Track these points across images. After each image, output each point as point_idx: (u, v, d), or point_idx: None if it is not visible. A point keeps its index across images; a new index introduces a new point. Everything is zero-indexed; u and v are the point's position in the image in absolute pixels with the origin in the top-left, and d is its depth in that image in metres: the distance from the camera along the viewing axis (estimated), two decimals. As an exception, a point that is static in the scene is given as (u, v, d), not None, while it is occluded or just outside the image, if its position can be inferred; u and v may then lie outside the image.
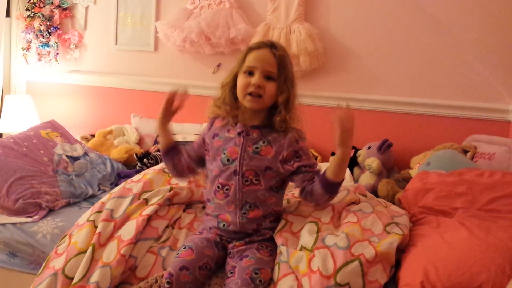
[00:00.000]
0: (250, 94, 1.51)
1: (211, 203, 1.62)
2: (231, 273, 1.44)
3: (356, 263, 1.35)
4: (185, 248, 1.49)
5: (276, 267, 1.46)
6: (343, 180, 1.51)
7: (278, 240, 1.53)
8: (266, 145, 1.56)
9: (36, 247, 1.85)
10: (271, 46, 1.54)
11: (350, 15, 2.71)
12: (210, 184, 1.62)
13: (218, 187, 1.57)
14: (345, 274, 1.33)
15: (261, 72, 1.51)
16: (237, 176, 1.53)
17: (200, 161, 1.68)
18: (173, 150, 1.66)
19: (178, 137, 2.85)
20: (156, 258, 1.57)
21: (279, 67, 1.51)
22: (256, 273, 1.40)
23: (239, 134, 1.57)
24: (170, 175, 1.81)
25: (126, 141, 2.99)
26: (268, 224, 1.59)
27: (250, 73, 1.52)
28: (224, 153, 1.57)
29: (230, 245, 1.56)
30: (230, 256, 1.54)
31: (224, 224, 1.57)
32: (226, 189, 1.56)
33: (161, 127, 1.66)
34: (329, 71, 2.77)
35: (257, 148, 1.55)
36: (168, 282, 1.37)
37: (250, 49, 1.55)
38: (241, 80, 1.54)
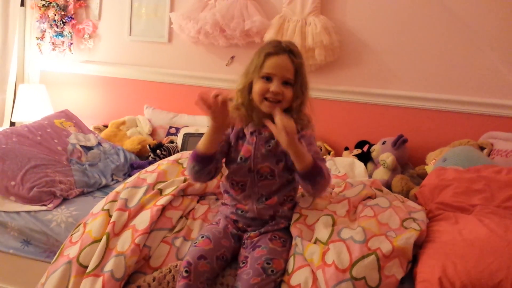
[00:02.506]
0: (266, 99, 1.52)
1: (229, 195, 1.66)
2: (244, 263, 1.45)
3: (373, 257, 1.34)
4: (202, 237, 1.50)
5: (291, 259, 1.45)
6: (309, 164, 1.43)
7: (294, 232, 1.53)
8: (277, 142, 1.55)
9: (50, 235, 1.85)
10: (289, 52, 1.53)
11: (367, 8, 2.68)
12: (226, 178, 1.66)
13: (233, 183, 1.62)
14: (361, 268, 1.32)
15: (280, 79, 1.51)
16: (252, 173, 1.57)
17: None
18: (212, 157, 1.53)
19: (191, 129, 2.85)
20: (170, 248, 1.57)
21: (296, 73, 1.52)
22: (268, 263, 1.40)
23: (251, 133, 1.58)
24: (195, 180, 1.64)
25: (139, 132, 2.99)
26: (285, 211, 1.62)
27: (268, 78, 1.51)
28: (239, 152, 1.59)
29: (245, 236, 1.57)
30: (244, 246, 1.55)
31: (242, 211, 1.61)
32: (242, 185, 1.60)
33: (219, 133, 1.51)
34: (345, 64, 2.74)
35: (269, 146, 1.57)
36: (186, 271, 1.37)
37: (269, 54, 1.52)
38: (258, 85, 1.52)
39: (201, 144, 1.50)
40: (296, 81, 1.52)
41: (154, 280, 1.47)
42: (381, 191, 1.78)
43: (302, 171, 1.44)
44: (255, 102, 1.55)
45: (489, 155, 2.26)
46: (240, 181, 1.60)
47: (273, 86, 1.49)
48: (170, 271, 1.48)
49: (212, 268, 1.43)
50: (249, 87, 1.57)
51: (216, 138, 1.49)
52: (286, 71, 1.51)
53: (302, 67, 1.53)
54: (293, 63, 1.51)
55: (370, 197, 1.70)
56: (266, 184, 1.58)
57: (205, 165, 1.51)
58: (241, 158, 1.57)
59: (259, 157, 1.56)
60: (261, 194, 1.58)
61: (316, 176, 1.45)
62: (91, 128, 2.87)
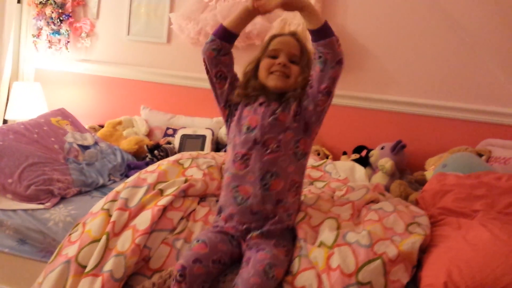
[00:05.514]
0: (272, 73, 1.57)
1: (228, 174, 1.60)
2: (247, 263, 1.42)
3: (379, 261, 1.33)
4: (198, 241, 1.45)
5: (297, 260, 1.43)
6: (322, 21, 1.47)
7: (299, 233, 1.51)
8: (282, 111, 1.56)
9: (48, 234, 1.81)
10: (293, 34, 1.63)
11: (368, 13, 2.69)
12: (230, 153, 1.62)
13: (236, 156, 1.57)
14: (367, 272, 1.31)
15: (286, 54, 1.57)
16: (258, 145, 1.53)
17: (225, 69, 1.63)
18: (232, 37, 1.60)
19: (188, 131, 2.83)
20: (170, 250, 1.54)
21: (302, 51, 1.58)
22: (270, 268, 1.37)
23: (260, 104, 1.58)
24: (204, 50, 1.62)
25: (135, 132, 2.96)
26: (288, 203, 1.56)
27: (274, 57, 1.58)
28: (245, 122, 1.58)
29: (248, 236, 1.52)
30: (248, 247, 1.50)
31: (242, 198, 1.55)
32: (246, 159, 1.55)
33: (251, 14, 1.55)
34: (344, 69, 2.67)
35: (275, 114, 1.56)
36: (180, 275, 1.33)
37: (274, 36, 1.63)
38: (265, 62, 1.60)
39: (228, 20, 1.58)
40: (302, 58, 1.57)
41: (154, 285, 1.43)
42: (384, 195, 1.78)
43: (317, 28, 1.45)
44: (262, 79, 1.59)
45: (487, 162, 2.28)
46: (245, 154, 1.55)
47: (280, 59, 1.56)
48: (170, 276, 1.44)
49: (208, 271, 1.39)
50: (255, 69, 1.63)
51: (247, 19, 1.56)
52: (292, 47, 1.59)
53: (307, 49, 1.59)
54: (299, 42, 1.58)
55: (373, 201, 1.69)
56: (272, 158, 1.52)
57: (221, 40, 1.57)
58: (248, 128, 1.56)
59: (266, 126, 1.54)
60: (267, 171, 1.52)
61: (330, 34, 1.47)
62: (86, 127, 2.84)
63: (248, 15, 1.55)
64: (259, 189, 1.52)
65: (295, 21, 2.67)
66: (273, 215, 1.54)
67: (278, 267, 1.39)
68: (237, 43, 2.73)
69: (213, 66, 1.61)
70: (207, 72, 1.64)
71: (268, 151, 1.53)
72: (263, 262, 1.38)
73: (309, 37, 1.52)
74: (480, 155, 2.32)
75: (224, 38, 1.58)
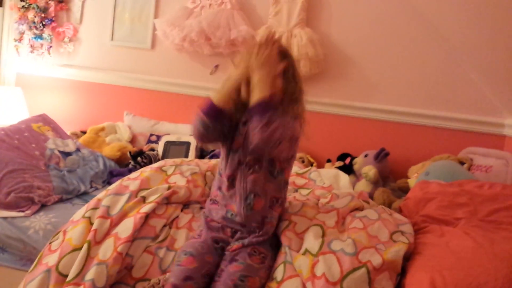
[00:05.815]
0: None
1: (220, 193, 1.59)
2: (219, 277, 1.40)
3: (363, 270, 1.33)
4: (185, 254, 1.44)
5: (281, 266, 1.42)
6: (267, 97, 1.40)
7: (284, 241, 1.50)
8: None
9: (28, 242, 1.78)
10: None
11: (352, 22, 2.72)
12: (222, 175, 1.60)
13: (225, 178, 1.56)
14: (352, 280, 1.31)
15: None
16: (242, 166, 1.53)
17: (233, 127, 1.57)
18: (223, 114, 1.49)
19: (172, 137, 2.82)
20: (153, 259, 1.52)
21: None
22: (242, 280, 1.35)
23: (244, 124, 1.55)
24: (201, 138, 1.52)
25: (118, 139, 2.93)
26: (274, 217, 1.56)
27: None
28: (233, 144, 1.56)
29: (227, 247, 1.51)
30: (224, 258, 1.49)
31: (231, 214, 1.55)
32: (232, 180, 1.55)
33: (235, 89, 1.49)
34: (329, 77, 2.76)
35: None
36: None
37: None
38: None
39: (216, 96, 1.46)
40: (288, 69, 1.52)
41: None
42: (368, 203, 1.79)
43: (257, 102, 1.38)
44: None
45: (468, 170, 2.31)
46: (231, 176, 1.55)
47: None
48: (153, 287, 1.42)
49: (199, 287, 1.37)
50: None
51: (236, 86, 1.47)
52: None
53: (293, 60, 1.58)
54: None
55: (357, 209, 1.70)
56: (254, 178, 1.52)
57: (215, 119, 1.46)
58: (232, 150, 1.55)
59: (248, 146, 1.50)
60: (250, 191, 1.51)
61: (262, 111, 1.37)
62: (68, 133, 2.80)
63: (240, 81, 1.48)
64: (243, 208, 1.52)
65: (280, 29, 2.68)
66: (259, 230, 1.54)
67: (252, 277, 1.38)
68: (222, 49, 2.78)
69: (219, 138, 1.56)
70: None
71: (251, 171, 1.53)
72: (234, 276, 1.37)
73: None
74: (462, 163, 2.35)
75: (218, 117, 1.48)
